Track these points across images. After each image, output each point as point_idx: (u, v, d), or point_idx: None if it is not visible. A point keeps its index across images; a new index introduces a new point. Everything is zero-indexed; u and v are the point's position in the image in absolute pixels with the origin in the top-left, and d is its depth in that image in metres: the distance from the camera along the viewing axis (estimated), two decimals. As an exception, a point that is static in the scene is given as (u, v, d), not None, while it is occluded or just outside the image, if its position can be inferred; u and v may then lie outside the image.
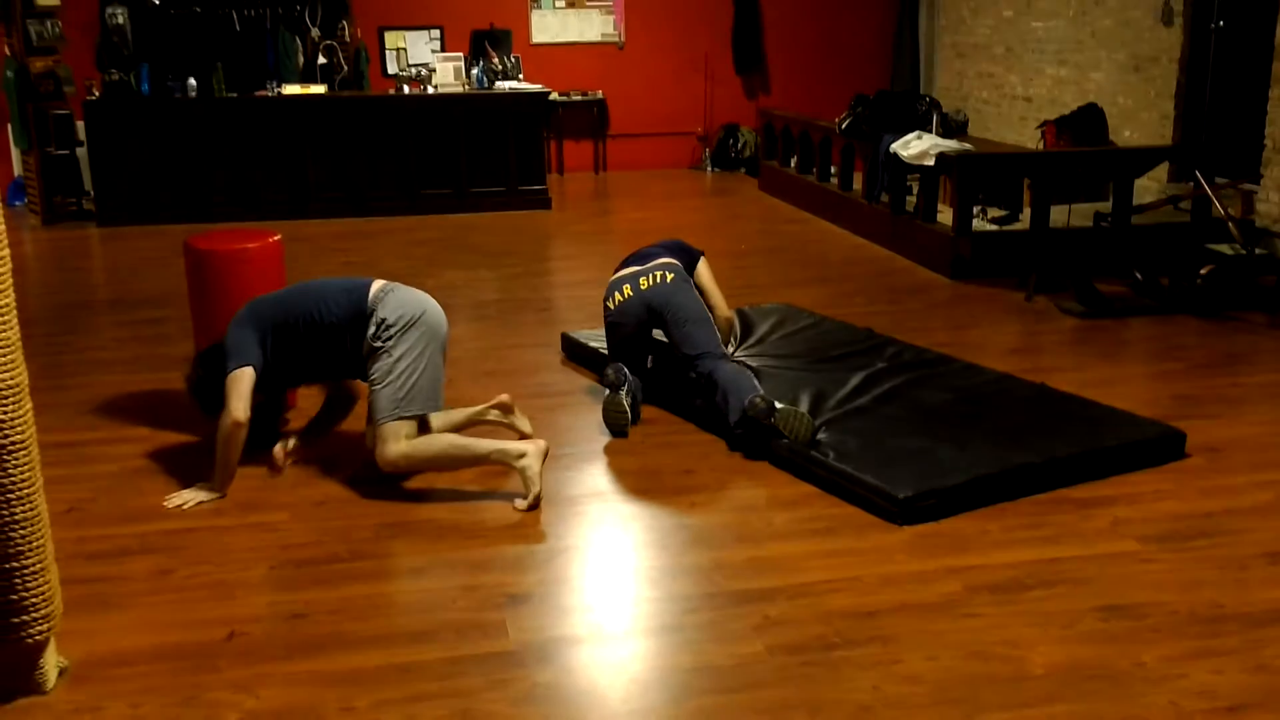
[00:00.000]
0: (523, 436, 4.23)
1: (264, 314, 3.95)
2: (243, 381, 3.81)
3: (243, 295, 4.23)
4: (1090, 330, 5.94)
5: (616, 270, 4.85)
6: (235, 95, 9.52)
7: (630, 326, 4.68)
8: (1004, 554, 3.41)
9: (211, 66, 9.47)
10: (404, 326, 3.86)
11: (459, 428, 4.15)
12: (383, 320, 3.86)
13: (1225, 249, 6.43)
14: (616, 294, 4.67)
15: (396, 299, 3.92)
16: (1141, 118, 8.87)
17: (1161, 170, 8.32)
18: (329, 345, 3.92)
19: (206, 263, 4.58)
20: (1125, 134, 9.01)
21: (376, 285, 3.98)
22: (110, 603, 3.17)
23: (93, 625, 3.03)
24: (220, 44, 9.75)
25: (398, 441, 3.79)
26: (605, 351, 4.91)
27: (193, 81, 9.36)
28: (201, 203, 9.35)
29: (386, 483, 3.97)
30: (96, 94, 9.27)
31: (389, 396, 3.81)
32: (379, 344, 3.85)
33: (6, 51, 9.14)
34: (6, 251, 2.56)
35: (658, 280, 4.62)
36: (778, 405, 4.11)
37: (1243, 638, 2.93)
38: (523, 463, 3.78)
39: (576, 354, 5.40)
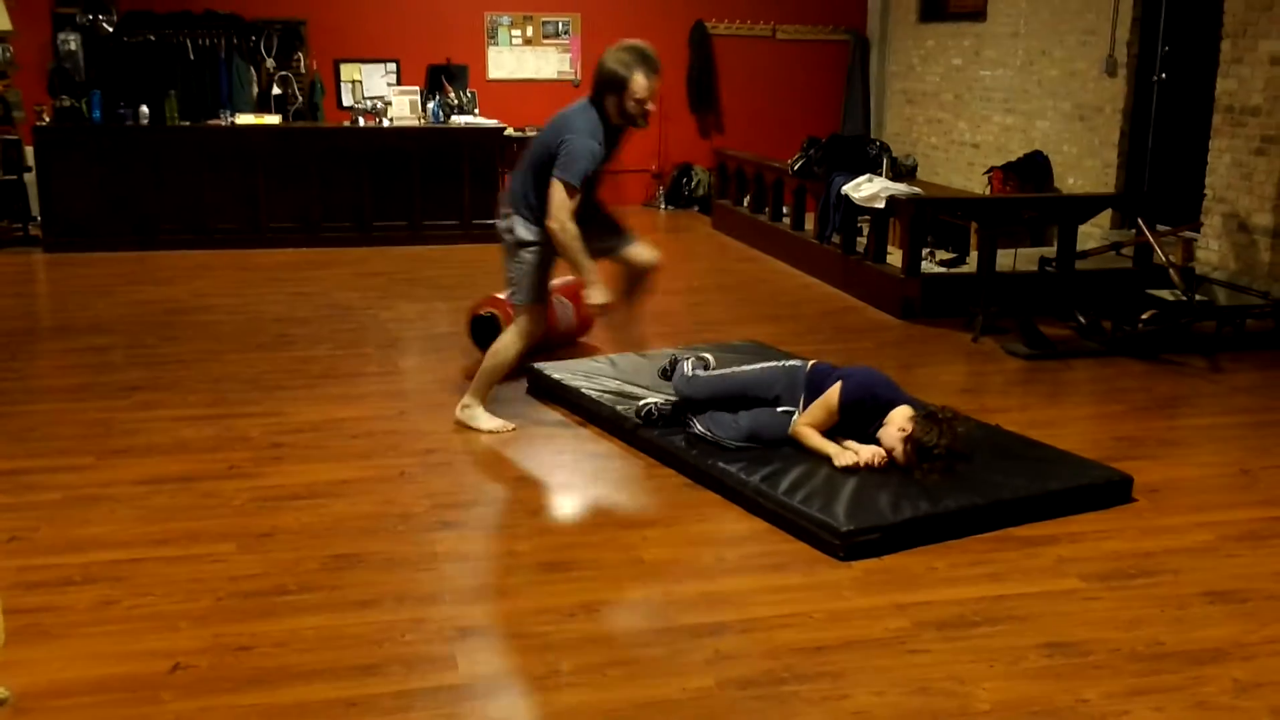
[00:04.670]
0: None
1: None
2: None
3: None
4: (1034, 372, 6.04)
5: None
6: (188, 124, 9.48)
7: None
8: (950, 591, 3.45)
9: (164, 95, 9.43)
10: None
11: None
12: None
13: (1166, 295, 6.58)
14: None
15: None
16: (1086, 165, 9.07)
17: (1105, 217, 8.50)
18: None
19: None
20: (1070, 181, 9.21)
21: None
22: (52, 633, 3.12)
23: (34, 656, 2.98)
24: (174, 72, 9.71)
25: None
26: (573, 384, 5.00)
27: (145, 109, 9.28)
28: (151, 231, 9.26)
29: (336, 516, 3.96)
30: (47, 120, 9.18)
31: None
32: None
33: (-45, 75, 9.05)
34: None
35: None
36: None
37: (1183, 675, 2.98)
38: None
39: (541, 387, 5.40)
